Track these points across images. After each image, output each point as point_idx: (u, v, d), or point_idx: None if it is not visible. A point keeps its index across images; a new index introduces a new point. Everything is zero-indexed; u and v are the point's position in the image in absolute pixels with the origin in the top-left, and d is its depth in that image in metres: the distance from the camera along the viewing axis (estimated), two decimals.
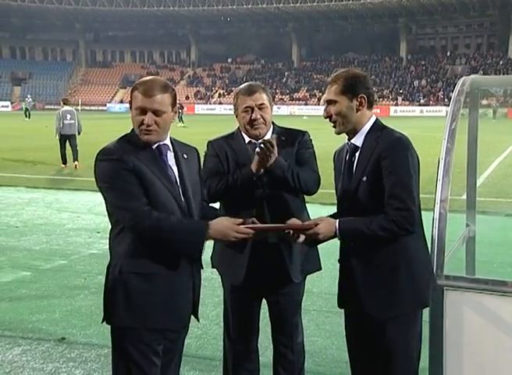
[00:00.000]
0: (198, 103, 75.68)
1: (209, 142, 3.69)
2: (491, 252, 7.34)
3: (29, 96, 55.14)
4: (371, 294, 2.89)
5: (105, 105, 77.11)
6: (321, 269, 3.74)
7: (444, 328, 2.95)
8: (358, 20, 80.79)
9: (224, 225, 2.81)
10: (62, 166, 16.47)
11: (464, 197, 4.05)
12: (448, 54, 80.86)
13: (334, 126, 3.03)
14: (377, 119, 3.02)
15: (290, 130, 3.67)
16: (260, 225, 2.96)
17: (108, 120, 36.60)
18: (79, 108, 47.06)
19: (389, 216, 2.79)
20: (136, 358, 2.80)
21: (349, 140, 3.04)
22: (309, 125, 32.11)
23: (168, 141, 2.91)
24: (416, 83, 73.65)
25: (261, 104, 3.46)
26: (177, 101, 2.93)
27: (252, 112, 3.45)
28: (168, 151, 2.90)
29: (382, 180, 2.83)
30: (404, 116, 58.96)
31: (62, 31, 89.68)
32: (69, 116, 16.72)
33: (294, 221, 3.00)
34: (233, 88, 78.12)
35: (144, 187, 2.74)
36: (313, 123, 39.15)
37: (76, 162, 16.37)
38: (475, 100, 3.79)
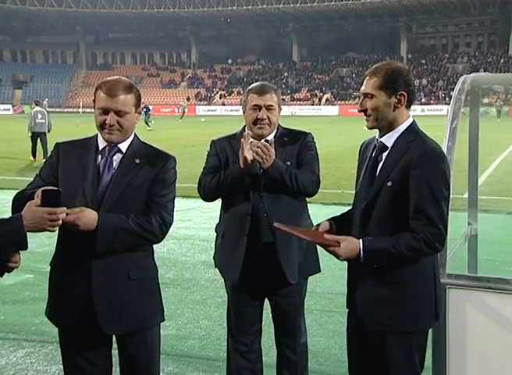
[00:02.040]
0: (199, 104, 75.69)
1: (212, 141, 3.73)
2: (493, 250, 7.34)
3: (46, 100, 55.31)
4: (374, 304, 2.75)
5: None
6: (320, 271, 3.75)
7: (447, 326, 2.95)
8: (358, 20, 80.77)
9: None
10: (32, 159, 18.41)
11: (466, 195, 4.05)
12: (449, 53, 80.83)
13: (367, 120, 2.82)
14: (414, 121, 2.82)
15: (293, 130, 3.69)
16: (283, 227, 2.76)
17: None
18: (47, 109, 48.22)
19: (418, 235, 2.62)
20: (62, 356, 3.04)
21: (380, 137, 2.84)
22: (312, 125, 32.08)
23: (124, 144, 2.87)
24: (417, 82, 73.53)
25: (270, 105, 3.49)
26: (141, 103, 2.92)
27: (259, 111, 3.48)
28: (117, 153, 2.87)
29: (408, 189, 2.65)
30: None
31: (63, 34, 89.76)
32: (40, 116, 18.82)
33: (324, 227, 2.85)
34: (234, 89, 78.22)
35: (61, 181, 2.84)
36: (316, 124, 39.22)
37: (45, 160, 17.11)
38: (476, 98, 3.79)
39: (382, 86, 2.74)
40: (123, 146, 2.88)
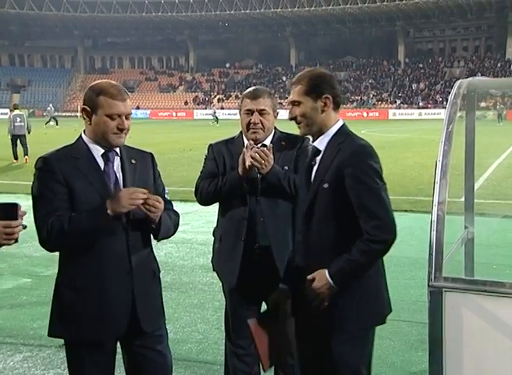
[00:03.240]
0: (197, 108, 75.74)
1: (210, 145, 3.76)
2: (490, 254, 7.35)
3: (51, 105, 55.40)
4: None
5: None
6: None
7: (444, 330, 2.95)
8: (356, 24, 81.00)
9: (119, 192, 2.73)
10: (14, 161, 19.33)
11: (463, 199, 4.06)
12: (446, 57, 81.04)
13: (299, 128, 2.95)
14: (344, 124, 2.93)
15: (291, 135, 3.69)
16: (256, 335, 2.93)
17: None
18: (53, 113, 49.98)
19: (363, 236, 2.72)
20: (73, 372, 2.91)
21: (312, 141, 2.96)
22: None
23: (117, 148, 2.91)
24: (414, 86, 73.78)
25: (263, 109, 3.50)
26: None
27: (252, 116, 3.49)
28: (116, 156, 2.90)
29: (345, 189, 2.75)
30: (403, 119, 59.09)
31: (61, 38, 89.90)
32: (18, 119, 19.90)
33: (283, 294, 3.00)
34: (232, 93, 78.28)
35: (74, 198, 2.74)
36: None
37: (26, 157, 19.14)
38: (472, 102, 3.80)
39: (307, 92, 2.85)
40: (117, 148, 2.91)
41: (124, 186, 2.84)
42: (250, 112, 3.49)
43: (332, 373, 2.86)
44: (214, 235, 3.79)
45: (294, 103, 2.90)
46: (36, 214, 2.76)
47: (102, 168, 2.84)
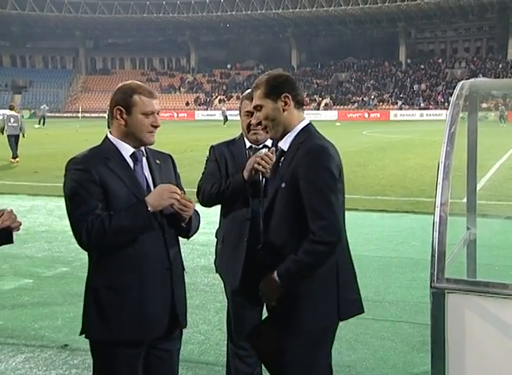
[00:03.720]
0: (199, 109, 75.80)
1: (211, 147, 3.76)
2: (492, 255, 7.34)
3: (45, 105, 55.69)
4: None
5: (106, 112, 77.28)
6: None
7: (446, 331, 2.95)
8: (357, 25, 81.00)
9: (158, 189, 2.81)
10: (11, 160, 19.89)
11: (465, 200, 4.06)
12: (447, 58, 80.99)
13: (267, 132, 3.03)
14: (310, 123, 2.97)
15: None
16: None
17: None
18: (46, 113, 50.71)
19: (308, 237, 2.73)
20: (102, 372, 2.89)
21: (278, 142, 3.01)
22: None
23: (142, 148, 2.96)
24: (416, 87, 73.75)
25: None
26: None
27: (251, 117, 3.49)
28: (143, 156, 2.95)
29: (299, 188, 2.78)
30: (405, 120, 59.10)
31: (62, 39, 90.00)
32: (12, 120, 20.50)
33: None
34: (233, 94, 78.31)
35: (109, 198, 2.76)
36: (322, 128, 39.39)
37: (17, 159, 19.99)
38: (474, 103, 3.80)
39: (265, 94, 2.91)
40: (143, 150, 2.96)
41: (154, 185, 2.89)
42: (250, 113, 3.49)
43: (285, 373, 2.89)
44: (216, 236, 3.79)
45: (256, 108, 2.96)
46: (72, 214, 2.77)
47: (132, 167, 2.88)
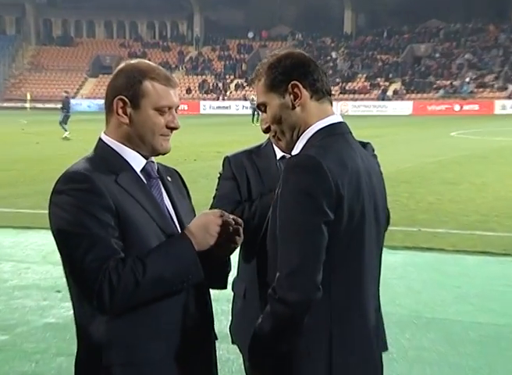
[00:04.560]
0: (206, 99, 76.07)
1: (226, 158, 3.82)
2: None
3: None
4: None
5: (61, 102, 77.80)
6: None
7: None
8: None
9: (202, 219, 2.84)
10: None
11: None
12: None
13: (279, 145, 3.09)
14: (336, 123, 2.97)
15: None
16: None
17: (73, 125, 36.68)
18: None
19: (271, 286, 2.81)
20: None
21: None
22: (372, 130, 31.80)
23: (153, 158, 3.00)
24: None
25: None
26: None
27: None
28: (154, 170, 2.99)
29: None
30: None
31: None
32: None
33: None
34: None
35: (126, 232, 2.74)
36: (379, 128, 38.64)
37: None
38: None
39: (268, 86, 2.97)
40: (153, 158, 3.01)
41: (176, 214, 2.94)
42: None
43: None
44: (233, 289, 3.83)
45: (260, 108, 3.04)
46: (79, 260, 2.65)
47: (146, 184, 2.91)
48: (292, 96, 2.93)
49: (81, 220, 2.66)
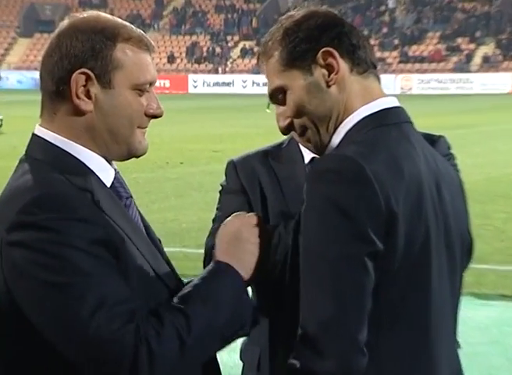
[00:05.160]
0: (197, 71, 76.62)
1: (230, 163, 3.89)
2: None
3: None
4: None
5: None
6: None
7: None
8: None
9: (226, 230, 2.97)
10: None
11: None
12: None
13: (308, 146, 3.13)
14: (393, 109, 3.03)
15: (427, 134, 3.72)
16: None
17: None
18: None
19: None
20: None
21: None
22: (449, 118, 31.99)
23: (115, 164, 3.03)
24: None
25: None
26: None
27: None
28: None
29: None
30: None
31: None
32: None
33: None
34: None
35: (123, 267, 2.72)
36: (460, 114, 38.70)
37: None
38: None
39: (287, 61, 3.01)
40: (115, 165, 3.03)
41: (151, 240, 2.99)
42: None
43: None
44: (242, 359, 3.93)
45: (275, 95, 3.09)
46: (86, 321, 2.55)
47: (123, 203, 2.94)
48: (324, 70, 2.93)
49: (84, 264, 2.58)
